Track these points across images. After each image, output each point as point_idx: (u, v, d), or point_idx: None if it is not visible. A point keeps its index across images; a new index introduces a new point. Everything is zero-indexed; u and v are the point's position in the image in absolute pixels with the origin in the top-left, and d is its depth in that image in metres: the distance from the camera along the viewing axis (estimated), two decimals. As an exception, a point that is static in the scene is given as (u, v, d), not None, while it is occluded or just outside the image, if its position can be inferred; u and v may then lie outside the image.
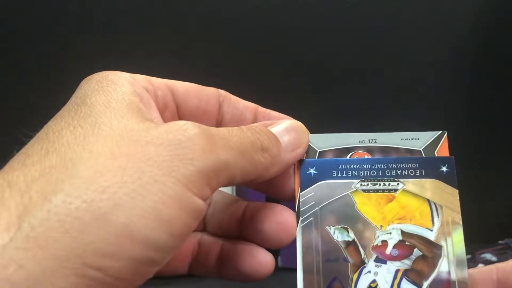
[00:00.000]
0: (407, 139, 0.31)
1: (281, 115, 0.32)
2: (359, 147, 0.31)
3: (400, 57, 0.73)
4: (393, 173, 0.30)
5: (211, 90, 0.31)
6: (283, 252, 0.67)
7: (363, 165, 0.30)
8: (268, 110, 0.32)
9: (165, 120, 0.28)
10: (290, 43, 0.71)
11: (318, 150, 0.31)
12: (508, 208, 0.76)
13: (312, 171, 0.30)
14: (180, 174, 0.22)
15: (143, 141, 0.22)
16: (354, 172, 0.30)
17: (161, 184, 0.21)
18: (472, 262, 0.61)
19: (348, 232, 0.29)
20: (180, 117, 0.30)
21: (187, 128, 0.23)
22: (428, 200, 0.29)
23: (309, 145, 0.31)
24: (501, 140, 0.77)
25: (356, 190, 0.30)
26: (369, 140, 0.31)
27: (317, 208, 0.29)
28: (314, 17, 0.70)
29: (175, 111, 0.30)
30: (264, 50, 0.71)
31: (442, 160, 0.30)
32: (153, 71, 0.30)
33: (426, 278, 0.28)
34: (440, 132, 0.31)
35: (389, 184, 0.30)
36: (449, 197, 0.29)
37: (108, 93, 0.25)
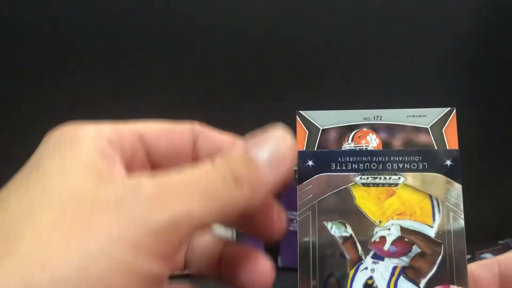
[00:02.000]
0: (413, 116, 0.30)
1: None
2: (364, 125, 0.30)
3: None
4: (395, 166, 0.29)
5: (184, 127, 0.29)
6: (283, 252, 0.66)
7: (363, 158, 0.29)
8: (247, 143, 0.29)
9: (134, 168, 0.27)
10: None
11: (321, 128, 0.30)
12: (508, 208, 0.76)
13: (310, 163, 0.29)
14: (128, 238, 0.20)
15: (89, 206, 0.21)
16: (353, 165, 0.29)
17: (108, 251, 0.20)
18: (472, 262, 0.60)
19: (346, 227, 0.28)
20: (151, 163, 0.28)
21: (138, 183, 0.22)
22: (430, 196, 0.28)
23: (312, 122, 0.30)
24: (501, 140, 0.76)
25: (356, 184, 0.29)
26: (374, 117, 0.30)
27: (315, 201, 0.28)
28: None
29: (145, 158, 0.28)
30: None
31: (447, 154, 0.28)
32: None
33: (424, 275, 0.27)
34: (449, 108, 0.29)
35: (389, 178, 0.28)
36: (452, 193, 0.28)
37: (63, 156, 0.23)
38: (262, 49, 0.70)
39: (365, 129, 0.30)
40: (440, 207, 0.28)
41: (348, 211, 0.28)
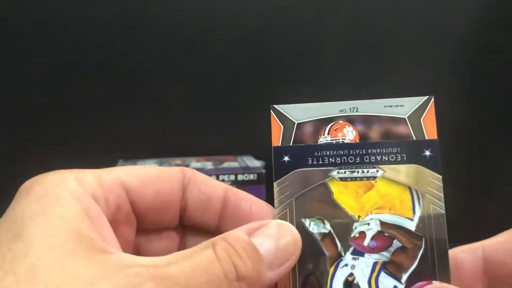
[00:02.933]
0: (390, 106, 0.29)
1: (253, 197, 0.29)
2: (340, 117, 0.29)
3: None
4: (372, 159, 0.28)
5: (173, 174, 0.28)
6: None
7: (340, 151, 0.28)
8: (240, 192, 0.29)
9: (119, 223, 0.26)
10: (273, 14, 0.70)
11: (296, 122, 0.29)
12: (508, 208, 0.74)
13: (286, 158, 0.28)
14: None
15: None
16: (330, 159, 0.28)
17: None
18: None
19: (324, 224, 0.27)
20: (137, 214, 0.27)
21: (136, 274, 0.20)
22: (409, 188, 0.27)
23: (287, 116, 0.29)
24: (501, 140, 0.75)
25: (333, 178, 0.28)
26: (350, 109, 0.29)
27: (292, 198, 0.28)
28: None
29: (130, 210, 0.27)
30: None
31: (426, 144, 0.27)
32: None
33: (406, 270, 0.26)
34: (427, 97, 0.29)
35: (367, 171, 0.28)
36: (432, 184, 0.27)
37: (50, 221, 0.21)
38: (238, 46, 0.70)
39: (341, 122, 0.29)
40: (420, 199, 0.27)
41: (326, 207, 0.27)
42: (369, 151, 0.28)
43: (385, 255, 0.26)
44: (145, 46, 0.68)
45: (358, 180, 0.28)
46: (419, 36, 0.72)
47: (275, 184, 0.28)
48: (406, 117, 0.29)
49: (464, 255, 0.27)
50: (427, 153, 0.27)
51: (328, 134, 0.29)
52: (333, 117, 0.29)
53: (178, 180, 0.28)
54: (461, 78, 0.74)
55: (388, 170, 0.27)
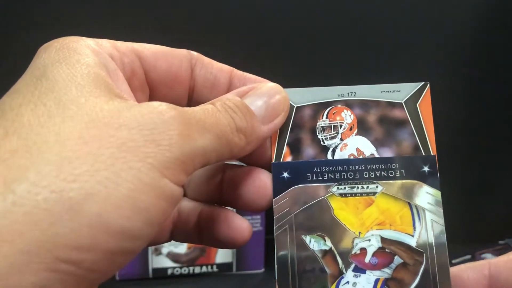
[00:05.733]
0: (388, 91, 0.29)
1: (258, 78, 0.30)
2: (338, 101, 0.30)
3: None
4: (372, 175, 0.28)
5: (182, 53, 0.29)
6: None
7: (340, 167, 0.28)
8: (244, 74, 0.30)
9: (134, 88, 0.27)
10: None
11: (295, 106, 0.30)
12: (508, 208, 0.75)
13: (285, 174, 0.28)
14: (156, 160, 0.21)
15: (115, 123, 0.21)
16: (330, 175, 0.28)
17: (137, 171, 0.20)
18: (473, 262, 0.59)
19: (325, 240, 0.27)
20: (149, 84, 0.28)
21: (162, 110, 0.22)
22: (409, 203, 0.27)
23: None
24: (501, 140, 0.75)
25: (333, 194, 0.28)
26: (348, 93, 0.30)
27: (292, 215, 0.27)
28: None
29: (144, 78, 0.28)
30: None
31: (424, 160, 0.27)
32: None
33: (407, 287, 0.26)
34: (423, 83, 0.29)
35: (367, 187, 0.28)
36: (431, 199, 0.27)
37: (71, 65, 0.22)
38: (234, 30, 0.69)
39: (339, 106, 0.30)
40: (420, 215, 0.27)
41: (327, 223, 0.27)
42: (368, 166, 0.28)
43: (386, 272, 0.26)
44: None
45: (358, 196, 0.27)
46: (420, 29, 0.72)
47: (274, 200, 0.28)
48: (402, 102, 0.29)
49: (470, 272, 0.27)
50: (426, 168, 0.27)
51: (326, 117, 0.30)
52: (331, 101, 0.30)
53: (186, 58, 0.29)
54: (461, 78, 0.74)
55: (388, 185, 0.27)
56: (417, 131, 0.29)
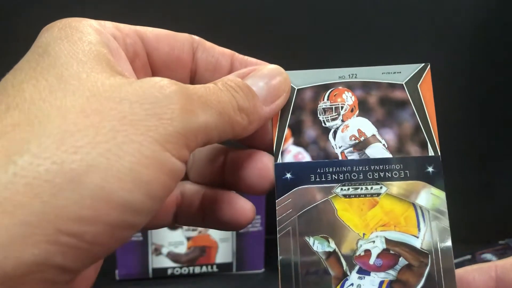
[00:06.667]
0: (388, 73, 0.30)
1: (259, 61, 0.30)
2: (339, 83, 0.30)
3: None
4: (376, 175, 0.27)
5: (184, 36, 0.29)
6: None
7: (343, 168, 0.28)
8: (246, 57, 0.30)
9: (136, 70, 0.27)
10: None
11: (296, 88, 0.30)
12: (508, 208, 0.74)
13: (288, 175, 0.28)
14: (158, 134, 0.21)
15: (117, 97, 0.21)
16: (333, 176, 0.28)
17: (138, 144, 0.20)
18: (472, 262, 0.59)
19: (329, 242, 0.27)
20: (152, 66, 0.28)
21: (163, 85, 0.22)
22: (414, 204, 0.27)
23: None
24: (501, 140, 0.75)
25: (336, 195, 0.27)
26: (349, 75, 0.30)
27: (295, 216, 0.27)
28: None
29: (146, 60, 0.28)
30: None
31: (428, 160, 0.27)
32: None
33: (413, 289, 0.26)
34: (423, 64, 0.29)
35: (371, 188, 0.27)
36: (435, 200, 0.27)
37: (73, 42, 0.22)
38: (234, 13, 0.69)
39: (340, 88, 0.30)
40: (425, 215, 0.26)
41: (330, 225, 0.27)
42: (372, 167, 0.27)
43: (391, 274, 0.26)
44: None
45: (362, 197, 0.27)
46: (421, 11, 0.71)
47: (277, 202, 0.28)
48: (403, 83, 0.29)
49: (476, 274, 0.27)
50: (430, 169, 0.27)
51: (327, 99, 0.30)
52: (332, 83, 0.30)
53: (188, 42, 0.29)
54: (462, 65, 0.73)
55: (392, 186, 0.27)
56: (418, 111, 0.29)
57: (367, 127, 0.29)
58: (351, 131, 0.29)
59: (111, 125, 0.20)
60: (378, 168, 0.27)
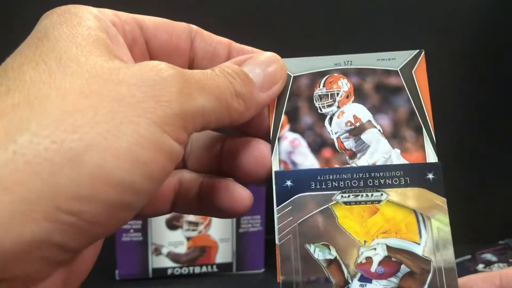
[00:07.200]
0: (383, 59, 0.30)
1: (255, 49, 0.30)
2: (335, 70, 0.30)
3: None
4: (376, 183, 0.27)
5: (182, 25, 0.29)
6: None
7: (343, 175, 0.28)
8: (242, 46, 0.30)
9: (135, 57, 0.27)
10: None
11: (293, 75, 0.30)
12: (508, 208, 0.74)
13: (288, 183, 0.28)
14: (156, 115, 0.21)
15: (115, 79, 0.21)
16: (334, 183, 0.27)
17: (136, 125, 0.20)
18: (472, 262, 0.59)
19: (330, 250, 0.27)
20: (150, 53, 0.28)
21: (161, 68, 0.22)
22: (415, 211, 0.27)
23: None
24: (501, 140, 0.74)
25: (337, 203, 0.27)
26: (344, 62, 0.30)
27: (295, 224, 0.27)
28: None
29: (145, 47, 0.28)
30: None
31: (428, 167, 0.27)
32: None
33: (415, 297, 0.26)
34: (417, 51, 0.30)
35: (372, 195, 0.27)
36: (436, 206, 0.26)
37: (72, 27, 0.23)
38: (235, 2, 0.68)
39: (336, 74, 0.30)
40: (426, 222, 0.26)
41: (331, 232, 0.27)
42: (373, 174, 0.27)
43: (393, 281, 0.26)
44: None
45: (362, 204, 0.27)
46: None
47: (277, 209, 0.27)
48: (398, 69, 0.30)
49: (481, 283, 0.27)
50: (430, 176, 0.27)
51: (323, 86, 0.30)
52: (328, 70, 0.30)
53: (186, 31, 0.29)
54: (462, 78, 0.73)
55: (393, 193, 0.27)
56: (413, 97, 0.29)
57: (363, 113, 0.30)
58: (347, 117, 0.30)
59: (110, 106, 0.20)
60: (378, 175, 0.27)
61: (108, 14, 0.26)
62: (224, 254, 0.68)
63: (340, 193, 0.27)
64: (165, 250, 0.66)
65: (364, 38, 0.70)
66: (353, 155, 0.29)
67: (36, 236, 0.18)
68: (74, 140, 0.19)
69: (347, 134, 0.29)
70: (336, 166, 0.28)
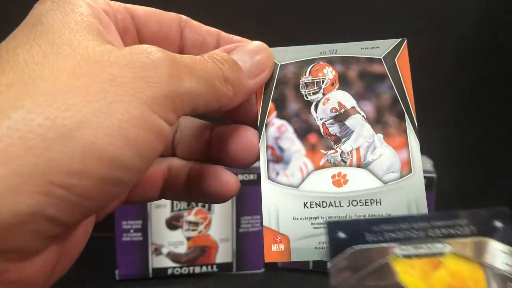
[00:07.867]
0: (367, 48, 0.31)
1: (244, 39, 0.31)
2: (320, 59, 0.31)
3: None
4: (437, 233, 0.25)
5: (172, 15, 0.30)
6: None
7: (401, 225, 0.25)
8: (231, 35, 0.31)
9: (126, 44, 0.28)
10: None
11: (279, 64, 0.31)
12: (508, 208, 0.74)
13: (341, 234, 0.25)
14: (145, 95, 0.22)
15: (106, 61, 0.22)
16: (391, 234, 0.25)
17: (127, 104, 0.21)
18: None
19: (391, 309, 0.25)
20: (141, 42, 0.29)
21: (151, 51, 0.23)
22: (483, 265, 0.25)
23: None
24: (501, 140, 0.74)
25: (396, 256, 0.25)
26: (329, 51, 0.31)
27: (353, 280, 0.25)
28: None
29: (136, 36, 0.29)
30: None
31: (495, 214, 0.25)
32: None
33: None
34: (400, 39, 0.31)
35: (433, 247, 0.25)
36: (507, 259, 0.25)
37: (65, 13, 0.24)
38: None
39: (321, 63, 0.31)
40: (497, 278, 0.25)
41: None
42: (433, 223, 0.25)
43: None
44: None
45: (424, 257, 0.25)
46: None
47: (331, 263, 0.25)
48: (381, 57, 0.31)
49: None
50: (498, 224, 0.25)
51: (309, 74, 0.31)
52: (313, 59, 0.31)
53: (176, 20, 0.30)
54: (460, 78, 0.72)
55: (456, 244, 0.25)
56: (396, 84, 0.30)
57: (347, 99, 0.31)
58: (332, 103, 0.31)
59: (101, 86, 0.21)
60: (439, 224, 0.25)
61: (100, 2, 0.26)
62: (224, 254, 0.67)
63: (398, 245, 0.25)
64: (165, 250, 0.65)
65: (354, 31, 0.68)
66: (337, 140, 0.30)
67: (30, 208, 0.19)
68: (67, 117, 0.20)
69: (332, 120, 0.31)
70: (394, 215, 0.26)
